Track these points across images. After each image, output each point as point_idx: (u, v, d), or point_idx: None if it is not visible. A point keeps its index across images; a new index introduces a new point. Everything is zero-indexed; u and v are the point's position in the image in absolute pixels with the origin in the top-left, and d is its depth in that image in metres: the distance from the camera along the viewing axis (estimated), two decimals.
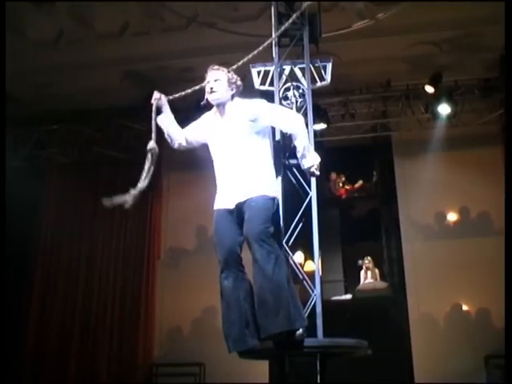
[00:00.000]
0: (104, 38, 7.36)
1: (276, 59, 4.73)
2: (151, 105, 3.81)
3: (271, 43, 4.68)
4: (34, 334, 8.68)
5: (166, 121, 3.86)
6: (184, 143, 3.93)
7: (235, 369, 6.57)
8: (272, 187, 3.68)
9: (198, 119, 3.94)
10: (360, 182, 10.39)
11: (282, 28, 4.66)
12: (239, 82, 3.80)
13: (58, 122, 8.77)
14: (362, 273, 9.11)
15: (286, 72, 4.71)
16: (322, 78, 4.72)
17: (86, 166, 9.34)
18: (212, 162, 3.81)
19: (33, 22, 7.04)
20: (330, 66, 4.71)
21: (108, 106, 8.41)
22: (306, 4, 4.75)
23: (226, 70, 3.80)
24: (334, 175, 10.29)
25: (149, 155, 3.65)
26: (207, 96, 3.75)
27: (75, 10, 6.91)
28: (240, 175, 3.61)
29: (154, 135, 3.73)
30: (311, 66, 4.69)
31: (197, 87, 4.01)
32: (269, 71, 4.74)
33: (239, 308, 3.56)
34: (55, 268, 9.08)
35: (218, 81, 3.72)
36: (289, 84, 4.67)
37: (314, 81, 4.69)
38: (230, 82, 3.74)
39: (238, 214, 3.61)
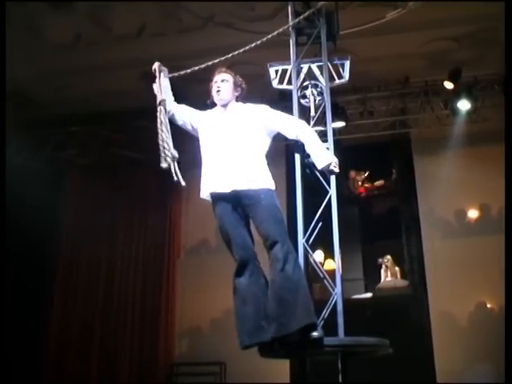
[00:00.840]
0: (121, 39, 7.40)
1: (293, 58, 4.72)
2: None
3: (288, 39, 4.75)
4: (56, 336, 8.74)
5: (161, 84, 4.07)
6: (171, 111, 4.07)
7: (256, 368, 6.55)
8: (272, 181, 3.74)
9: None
10: (381, 181, 10.30)
11: (297, 19, 4.69)
12: (244, 86, 3.99)
13: (77, 124, 8.83)
14: (382, 271, 9.04)
15: (304, 70, 4.69)
16: (340, 76, 4.68)
17: (104, 167, 9.40)
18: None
19: (51, 25, 7.09)
20: (348, 64, 4.68)
21: (125, 108, 8.44)
22: (321, 2, 4.74)
23: (233, 73, 3.98)
24: (353, 173, 10.21)
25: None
26: (213, 95, 3.93)
27: (93, 11, 6.95)
28: (240, 163, 3.67)
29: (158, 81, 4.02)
30: (329, 63, 4.67)
31: (196, 68, 4.25)
32: (286, 70, 4.73)
33: (256, 302, 3.58)
34: (76, 269, 9.16)
35: (224, 81, 3.91)
36: (307, 82, 4.65)
37: (332, 79, 4.66)
38: (235, 85, 3.94)
39: (236, 200, 3.66)
